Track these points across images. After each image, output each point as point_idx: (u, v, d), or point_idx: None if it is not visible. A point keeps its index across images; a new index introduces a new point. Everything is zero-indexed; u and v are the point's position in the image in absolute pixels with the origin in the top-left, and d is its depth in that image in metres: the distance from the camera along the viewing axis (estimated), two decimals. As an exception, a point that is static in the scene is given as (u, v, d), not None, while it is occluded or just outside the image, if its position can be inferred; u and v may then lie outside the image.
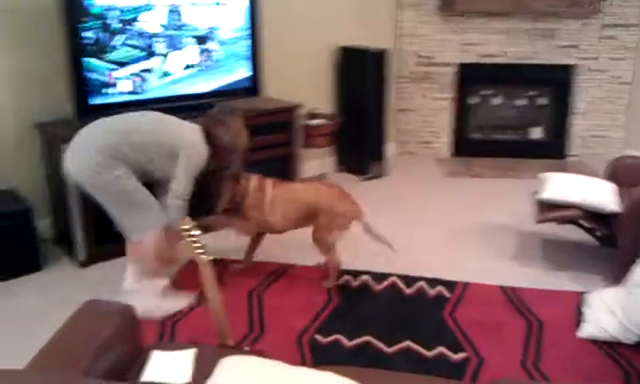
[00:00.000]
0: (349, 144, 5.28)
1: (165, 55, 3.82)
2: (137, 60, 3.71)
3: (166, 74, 3.85)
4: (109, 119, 3.01)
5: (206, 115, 3.20)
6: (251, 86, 4.24)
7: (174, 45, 3.84)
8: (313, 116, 4.81)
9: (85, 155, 2.88)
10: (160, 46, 3.79)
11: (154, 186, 3.11)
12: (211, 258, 2.34)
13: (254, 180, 3.34)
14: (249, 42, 4.16)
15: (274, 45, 4.63)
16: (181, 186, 3.00)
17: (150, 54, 3.76)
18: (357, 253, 3.72)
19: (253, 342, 2.86)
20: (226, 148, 3.17)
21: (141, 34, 3.69)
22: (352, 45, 5.17)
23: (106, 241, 3.61)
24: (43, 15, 3.67)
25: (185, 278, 3.43)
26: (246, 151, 3.31)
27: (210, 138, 3.10)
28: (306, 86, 5.06)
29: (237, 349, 2.41)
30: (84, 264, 3.64)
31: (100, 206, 3.00)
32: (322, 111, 5.03)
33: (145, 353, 1.87)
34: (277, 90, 4.61)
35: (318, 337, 2.91)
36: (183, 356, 1.84)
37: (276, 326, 3.00)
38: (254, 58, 4.21)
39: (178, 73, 3.91)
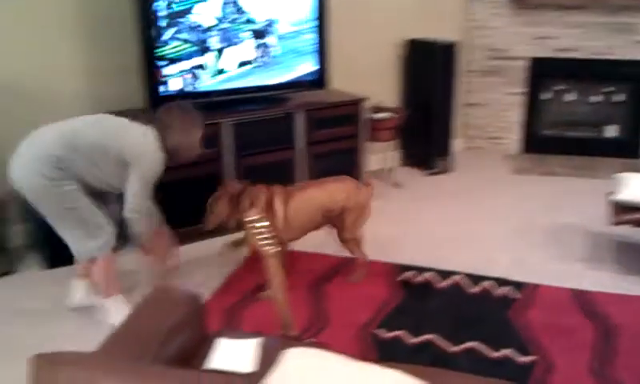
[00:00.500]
0: (415, 138, 5.21)
1: (219, 50, 3.79)
2: (188, 56, 3.70)
3: (220, 72, 3.83)
4: (53, 125, 2.76)
5: (155, 117, 2.91)
6: (317, 79, 4.23)
7: (229, 39, 3.80)
8: (378, 109, 4.77)
9: (29, 163, 2.66)
10: (214, 41, 3.75)
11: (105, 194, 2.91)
12: (276, 249, 2.36)
13: (258, 200, 3.04)
14: (315, 34, 4.14)
15: (339, 37, 4.61)
16: (136, 197, 2.75)
17: (204, 49, 3.73)
18: (420, 248, 3.68)
19: (315, 334, 2.87)
20: (177, 151, 2.89)
21: (193, 28, 3.67)
22: (420, 37, 5.09)
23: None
24: (117, 17, 3.82)
25: (245, 271, 3.47)
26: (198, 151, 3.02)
27: (161, 141, 2.83)
28: (372, 79, 5.02)
29: (300, 340, 2.42)
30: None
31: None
32: (387, 104, 4.99)
33: (210, 340, 1.90)
34: (342, 82, 4.59)
35: (381, 332, 2.90)
36: (248, 345, 1.86)
37: (338, 320, 3.00)
38: (321, 51, 4.19)
39: (232, 70, 3.88)
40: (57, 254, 3.41)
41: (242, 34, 3.84)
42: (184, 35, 3.65)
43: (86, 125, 2.78)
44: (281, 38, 4.00)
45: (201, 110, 3.45)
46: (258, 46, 3.93)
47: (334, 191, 3.15)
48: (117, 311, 2.88)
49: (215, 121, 3.73)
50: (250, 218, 2.43)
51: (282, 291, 2.34)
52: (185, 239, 3.56)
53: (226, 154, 3.84)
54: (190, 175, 3.65)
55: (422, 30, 5.14)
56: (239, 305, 3.14)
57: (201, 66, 3.75)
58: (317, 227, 3.20)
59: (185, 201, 3.65)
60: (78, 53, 3.83)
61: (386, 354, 2.70)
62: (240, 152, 3.88)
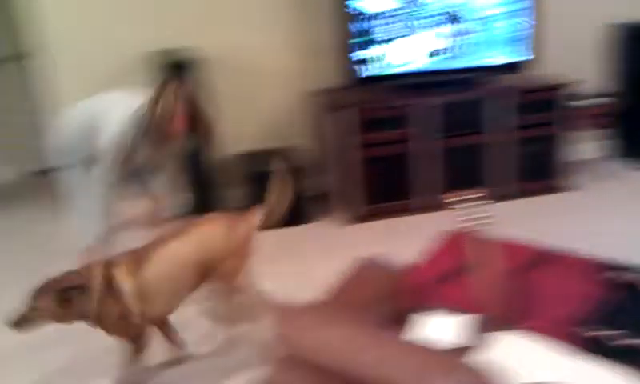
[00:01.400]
0: (631, 127, 4.77)
1: (415, 33, 3.77)
2: (395, 37, 3.73)
3: (432, 54, 3.81)
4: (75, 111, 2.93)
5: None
6: (516, 63, 4.02)
7: (424, 22, 3.77)
8: (585, 96, 4.44)
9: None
10: (411, 24, 3.74)
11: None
12: (489, 225, 2.27)
13: (92, 286, 2.17)
14: (519, 18, 3.93)
15: (548, 20, 4.36)
16: (103, 163, 2.73)
17: (402, 32, 3.73)
18: (623, 247, 3.39)
19: (514, 323, 2.78)
20: (155, 124, 2.69)
21: (394, 11, 3.69)
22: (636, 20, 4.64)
23: (378, 201, 3.87)
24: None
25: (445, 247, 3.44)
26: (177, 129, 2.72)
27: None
28: (579, 63, 4.68)
29: (503, 326, 2.36)
30: (348, 222, 3.90)
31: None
32: (595, 90, 4.63)
33: (408, 315, 1.92)
34: (546, 66, 4.35)
35: (587, 330, 2.72)
36: (452, 322, 1.85)
37: (541, 312, 2.88)
38: (531, 35, 3.99)
39: (428, 53, 3.84)
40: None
41: (438, 17, 3.80)
42: (386, 20, 3.70)
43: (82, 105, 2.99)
44: (478, 20, 3.88)
45: (395, 90, 3.52)
46: (455, 29, 3.86)
47: (204, 238, 2.42)
48: None
49: (408, 102, 3.75)
50: (451, 200, 2.32)
51: (488, 273, 2.27)
52: (378, 215, 3.71)
53: (417, 136, 3.85)
54: (383, 154, 3.75)
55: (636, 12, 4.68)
56: (438, 281, 3.13)
57: (398, 48, 3.78)
58: (195, 287, 2.44)
59: (378, 178, 3.75)
60: (289, 30, 4.05)
61: (592, 353, 2.53)
62: (431, 134, 3.86)
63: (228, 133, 4.08)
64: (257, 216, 2.53)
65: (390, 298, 1.87)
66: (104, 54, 3.88)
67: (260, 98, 4.14)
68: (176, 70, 3.61)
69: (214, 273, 2.42)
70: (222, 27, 3.96)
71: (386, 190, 3.87)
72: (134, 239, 2.54)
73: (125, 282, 2.20)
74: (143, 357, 2.29)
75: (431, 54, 3.85)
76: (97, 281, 2.15)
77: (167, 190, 3.06)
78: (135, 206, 3.15)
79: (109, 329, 2.21)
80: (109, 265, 2.23)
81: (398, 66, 3.80)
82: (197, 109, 2.70)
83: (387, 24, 3.71)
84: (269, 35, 4.03)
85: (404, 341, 1.33)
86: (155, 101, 2.65)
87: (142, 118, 2.70)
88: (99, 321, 2.17)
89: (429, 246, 3.44)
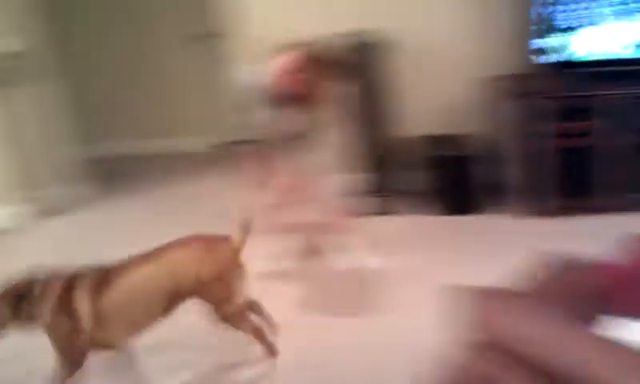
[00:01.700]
0: None
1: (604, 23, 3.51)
2: (582, 25, 3.53)
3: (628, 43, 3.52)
4: None
5: None
6: None
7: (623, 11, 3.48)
8: None
9: None
10: (603, 11, 3.49)
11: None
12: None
13: (46, 299, 2.09)
14: None
15: None
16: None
17: (590, 20, 3.50)
18: None
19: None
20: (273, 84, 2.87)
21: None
22: None
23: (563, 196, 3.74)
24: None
25: None
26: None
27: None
28: None
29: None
30: (519, 216, 3.81)
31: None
32: None
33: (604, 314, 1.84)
34: None
35: None
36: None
37: None
38: None
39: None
40: (429, 203, 3.93)
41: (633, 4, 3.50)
42: (571, 6, 3.51)
43: None
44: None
45: (582, 79, 3.34)
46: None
47: (175, 263, 2.23)
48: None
49: (599, 92, 3.55)
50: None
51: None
52: (561, 211, 3.59)
53: (606, 130, 3.65)
54: (567, 146, 3.62)
55: None
56: (628, 285, 2.97)
57: (584, 35, 3.58)
58: (165, 314, 2.26)
59: (563, 172, 3.64)
60: (470, 15, 4.02)
61: None
62: (624, 128, 3.64)
63: (407, 115, 4.14)
64: (238, 237, 2.30)
65: (588, 297, 1.83)
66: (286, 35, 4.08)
67: (438, 82, 4.16)
68: (361, 51, 3.71)
69: (198, 297, 2.26)
70: (406, 11, 4.01)
71: (571, 185, 3.71)
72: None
73: (83, 302, 2.09)
74: (74, 379, 2.14)
75: (627, 43, 3.61)
76: (55, 293, 2.08)
77: (321, 169, 3.07)
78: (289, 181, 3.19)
79: (55, 341, 2.11)
80: (71, 280, 2.12)
81: (586, 53, 3.61)
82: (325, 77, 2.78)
83: (573, 11, 3.54)
84: (451, 20, 4.02)
85: (609, 340, 1.31)
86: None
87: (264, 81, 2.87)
88: (48, 330, 2.10)
89: (617, 248, 3.25)
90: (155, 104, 5.55)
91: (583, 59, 3.60)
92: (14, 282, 2.09)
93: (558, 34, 3.55)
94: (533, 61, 3.63)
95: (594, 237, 3.24)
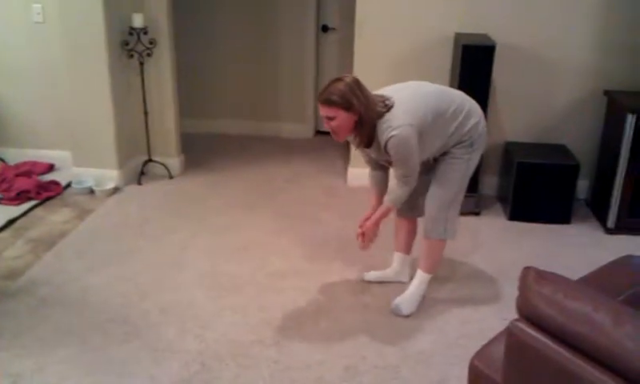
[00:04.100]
0: None
1: None
2: None
3: None
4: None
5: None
6: None
7: None
8: None
9: None
10: None
11: None
12: None
13: None
14: None
15: None
16: None
17: None
18: None
19: None
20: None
21: None
22: None
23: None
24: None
25: None
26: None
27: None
28: None
29: None
30: (610, 231, 3.75)
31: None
32: None
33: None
34: None
35: None
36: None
37: None
38: None
39: None
40: (516, 210, 3.97)
41: None
42: None
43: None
44: None
45: None
46: None
47: None
48: (422, 289, 3.02)
49: None
50: None
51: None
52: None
53: None
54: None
55: None
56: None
57: None
58: None
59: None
60: (591, 27, 3.98)
61: None
62: None
63: (504, 121, 4.17)
64: None
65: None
66: (406, 30, 4.18)
67: (546, 91, 4.15)
68: (473, 54, 3.76)
69: None
70: (524, 18, 4.02)
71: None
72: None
73: None
74: None
75: None
76: None
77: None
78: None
79: None
80: None
81: None
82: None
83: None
84: (569, 30, 3.98)
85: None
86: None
87: None
88: None
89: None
90: (259, 88, 5.74)
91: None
92: None
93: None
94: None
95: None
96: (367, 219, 2.92)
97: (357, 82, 2.65)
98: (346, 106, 2.57)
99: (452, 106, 2.72)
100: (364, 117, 2.61)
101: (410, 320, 2.92)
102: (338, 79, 2.64)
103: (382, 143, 2.65)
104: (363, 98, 2.60)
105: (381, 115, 2.62)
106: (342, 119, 2.61)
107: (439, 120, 2.69)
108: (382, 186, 2.98)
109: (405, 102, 2.66)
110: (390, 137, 2.59)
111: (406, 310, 2.93)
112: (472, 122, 2.76)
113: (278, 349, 2.71)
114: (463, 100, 2.80)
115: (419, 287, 2.97)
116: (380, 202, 2.94)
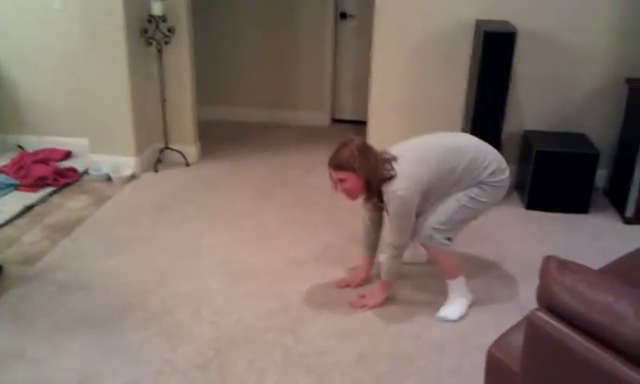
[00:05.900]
0: None
1: None
2: None
3: None
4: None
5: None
6: None
7: None
8: None
9: None
10: None
11: None
12: None
13: None
14: None
15: None
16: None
17: None
18: None
19: None
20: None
21: None
22: None
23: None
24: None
25: None
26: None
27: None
28: None
29: None
30: (629, 221, 3.70)
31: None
32: None
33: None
34: None
35: None
36: None
37: None
38: None
39: None
40: (534, 199, 3.96)
41: None
42: None
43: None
44: None
45: None
46: None
47: None
48: (459, 293, 2.95)
49: None
50: None
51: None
52: None
53: None
54: None
55: None
56: None
57: None
58: None
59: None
60: (614, 14, 3.93)
61: None
62: None
63: (523, 109, 4.12)
64: None
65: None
66: (425, 17, 4.14)
67: (566, 79, 4.10)
68: (495, 41, 3.69)
69: None
70: (545, 4, 3.97)
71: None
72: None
73: None
74: None
75: None
76: None
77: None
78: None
79: None
80: None
81: None
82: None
83: None
84: (590, 17, 3.92)
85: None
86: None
87: None
88: None
89: None
90: (277, 76, 5.77)
91: None
92: None
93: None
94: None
95: None
96: (360, 279, 3.11)
97: (364, 145, 2.74)
98: (355, 170, 2.68)
99: (461, 165, 2.72)
100: (371, 180, 2.70)
101: (424, 309, 2.92)
102: (345, 144, 2.73)
103: (386, 203, 2.74)
104: (370, 162, 2.68)
105: (386, 179, 2.68)
106: (352, 181, 2.72)
107: (444, 180, 2.73)
108: (372, 237, 3.08)
109: (410, 163, 2.71)
110: (393, 198, 2.67)
111: (452, 315, 2.89)
112: (487, 171, 2.75)
113: (293, 335, 2.71)
114: (478, 153, 2.77)
115: (452, 292, 2.93)
116: (369, 261, 3.12)
